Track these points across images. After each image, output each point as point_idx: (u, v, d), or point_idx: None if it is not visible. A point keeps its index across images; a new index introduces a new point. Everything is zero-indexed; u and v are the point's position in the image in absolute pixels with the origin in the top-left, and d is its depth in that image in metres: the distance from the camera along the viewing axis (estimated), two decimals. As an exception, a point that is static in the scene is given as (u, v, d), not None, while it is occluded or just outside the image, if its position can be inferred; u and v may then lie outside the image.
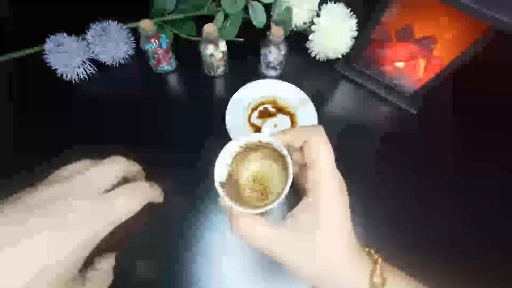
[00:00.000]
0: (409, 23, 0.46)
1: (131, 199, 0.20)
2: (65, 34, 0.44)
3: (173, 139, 0.44)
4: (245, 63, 0.51)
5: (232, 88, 0.46)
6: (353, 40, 0.49)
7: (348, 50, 0.50)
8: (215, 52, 0.45)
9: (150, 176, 0.26)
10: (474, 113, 0.51)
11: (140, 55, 0.48)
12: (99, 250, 0.22)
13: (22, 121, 0.43)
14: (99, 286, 0.22)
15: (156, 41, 0.44)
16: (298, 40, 0.52)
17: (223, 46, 0.45)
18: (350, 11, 0.48)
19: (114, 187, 0.21)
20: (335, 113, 0.49)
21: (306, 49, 0.52)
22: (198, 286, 0.34)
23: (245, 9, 0.49)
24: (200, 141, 0.43)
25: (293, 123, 0.46)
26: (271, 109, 0.47)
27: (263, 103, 0.47)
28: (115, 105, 0.45)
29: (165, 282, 0.34)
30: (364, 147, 0.46)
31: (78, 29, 0.46)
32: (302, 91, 0.47)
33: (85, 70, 0.46)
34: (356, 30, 0.48)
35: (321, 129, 0.23)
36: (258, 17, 0.49)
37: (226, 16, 0.50)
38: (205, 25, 0.42)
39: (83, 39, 0.46)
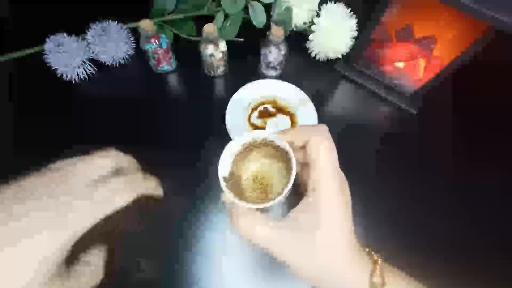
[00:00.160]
0: (409, 23, 0.46)
1: (119, 192, 0.19)
2: (65, 34, 0.44)
3: (173, 139, 0.44)
4: (245, 63, 0.51)
5: (232, 88, 0.46)
6: (353, 40, 0.49)
7: (348, 50, 0.50)
8: (215, 52, 0.45)
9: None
10: (474, 113, 0.51)
11: (140, 55, 0.48)
12: (87, 244, 0.21)
13: (22, 121, 0.43)
14: (87, 281, 0.21)
15: (156, 41, 0.44)
16: (298, 40, 0.52)
17: (223, 46, 0.45)
18: (350, 11, 0.48)
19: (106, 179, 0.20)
20: (335, 113, 0.49)
21: (306, 49, 0.52)
22: (198, 286, 0.34)
23: (245, 9, 0.49)
24: (200, 141, 0.43)
25: (293, 123, 0.46)
26: (271, 109, 0.47)
27: (263, 103, 0.47)
28: (115, 105, 0.45)
29: (165, 282, 0.34)
30: (364, 147, 0.46)
31: (78, 29, 0.46)
32: (302, 91, 0.47)
33: (85, 70, 0.46)
34: (356, 30, 0.48)
35: (323, 129, 0.23)
36: (258, 17, 0.49)
37: (226, 16, 0.50)
38: (205, 25, 0.42)
39: (83, 39, 0.46)
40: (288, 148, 0.22)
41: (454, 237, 0.38)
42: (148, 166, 0.26)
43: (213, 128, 0.44)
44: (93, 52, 0.46)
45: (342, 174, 0.23)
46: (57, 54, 0.43)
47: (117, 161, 0.21)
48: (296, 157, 0.23)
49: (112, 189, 0.19)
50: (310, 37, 0.49)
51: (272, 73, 0.50)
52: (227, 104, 0.45)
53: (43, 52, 0.44)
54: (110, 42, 0.45)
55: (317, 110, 0.46)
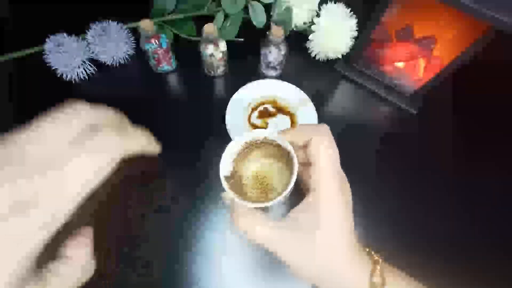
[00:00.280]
0: (409, 23, 0.46)
1: (88, 158, 0.14)
2: (65, 34, 0.44)
3: (173, 139, 0.44)
4: (245, 63, 0.51)
5: (232, 88, 0.46)
6: (353, 40, 0.49)
7: (348, 50, 0.50)
8: (215, 52, 0.45)
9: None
10: (474, 113, 0.51)
11: (140, 55, 0.48)
12: (67, 231, 0.17)
13: (22, 121, 0.43)
14: (73, 280, 0.16)
15: (156, 41, 0.44)
16: (298, 40, 0.52)
17: (223, 46, 0.45)
18: (350, 11, 0.48)
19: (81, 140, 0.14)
20: (335, 113, 0.49)
21: (306, 49, 0.52)
22: (198, 286, 0.34)
23: (245, 9, 0.49)
24: (200, 141, 0.43)
25: (293, 123, 0.46)
26: (271, 109, 0.47)
27: (263, 103, 0.47)
28: (115, 105, 0.44)
29: (165, 282, 0.34)
30: (364, 147, 0.46)
31: (78, 29, 0.46)
32: (302, 91, 0.47)
33: (85, 70, 0.46)
34: (356, 30, 0.48)
35: (324, 129, 0.23)
36: (258, 17, 0.49)
37: (226, 16, 0.50)
38: (205, 25, 0.42)
39: (83, 39, 0.46)
40: (289, 148, 0.22)
41: (454, 237, 0.38)
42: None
43: (213, 128, 0.44)
44: (93, 52, 0.46)
45: (343, 174, 0.23)
46: (57, 54, 0.43)
47: (88, 119, 0.16)
48: (297, 156, 0.23)
49: (77, 157, 0.14)
50: (310, 37, 0.49)
51: (272, 73, 0.50)
52: (227, 104, 0.45)
53: (43, 52, 0.44)
54: (110, 42, 0.45)
55: (317, 110, 0.46)
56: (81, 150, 0.14)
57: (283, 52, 0.46)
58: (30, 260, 0.13)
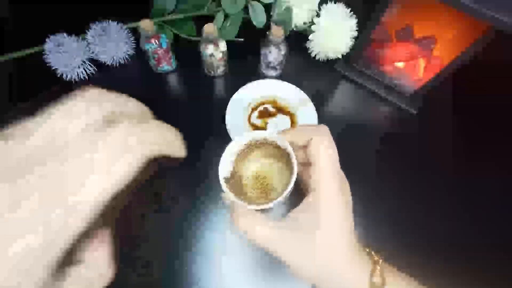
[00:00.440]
0: (409, 23, 0.46)
1: (105, 161, 0.11)
2: (65, 34, 0.44)
3: (173, 139, 0.44)
4: (245, 63, 0.51)
5: (232, 88, 0.46)
6: (353, 40, 0.49)
7: (348, 50, 0.50)
8: (215, 52, 0.45)
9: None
10: (474, 113, 0.51)
11: (140, 55, 0.48)
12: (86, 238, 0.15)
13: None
14: (89, 285, 0.14)
15: (156, 41, 0.44)
16: (298, 40, 0.52)
17: (223, 46, 0.45)
18: (350, 11, 0.48)
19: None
20: (335, 113, 0.49)
21: (306, 49, 0.52)
22: (198, 286, 0.34)
23: (245, 9, 0.49)
24: (200, 141, 0.42)
25: (293, 123, 0.46)
26: (271, 109, 0.47)
27: (263, 103, 0.47)
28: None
29: (165, 282, 0.34)
30: (364, 147, 0.46)
31: (78, 29, 0.46)
32: (302, 91, 0.47)
33: (85, 70, 0.46)
34: (356, 30, 0.48)
35: (324, 129, 0.23)
36: (258, 17, 0.49)
37: (226, 16, 0.50)
38: (205, 25, 0.42)
39: (83, 39, 0.46)
40: (289, 148, 0.22)
41: (454, 237, 0.38)
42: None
43: (213, 128, 0.44)
44: (93, 52, 0.46)
45: (343, 174, 0.23)
46: (57, 54, 0.43)
47: (106, 109, 0.13)
48: (296, 157, 0.23)
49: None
50: (310, 37, 0.49)
51: (272, 73, 0.50)
52: (227, 104, 0.45)
53: (43, 52, 0.44)
54: (110, 42, 0.45)
55: (317, 110, 0.46)
56: (96, 148, 0.11)
57: (283, 52, 0.46)
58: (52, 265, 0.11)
